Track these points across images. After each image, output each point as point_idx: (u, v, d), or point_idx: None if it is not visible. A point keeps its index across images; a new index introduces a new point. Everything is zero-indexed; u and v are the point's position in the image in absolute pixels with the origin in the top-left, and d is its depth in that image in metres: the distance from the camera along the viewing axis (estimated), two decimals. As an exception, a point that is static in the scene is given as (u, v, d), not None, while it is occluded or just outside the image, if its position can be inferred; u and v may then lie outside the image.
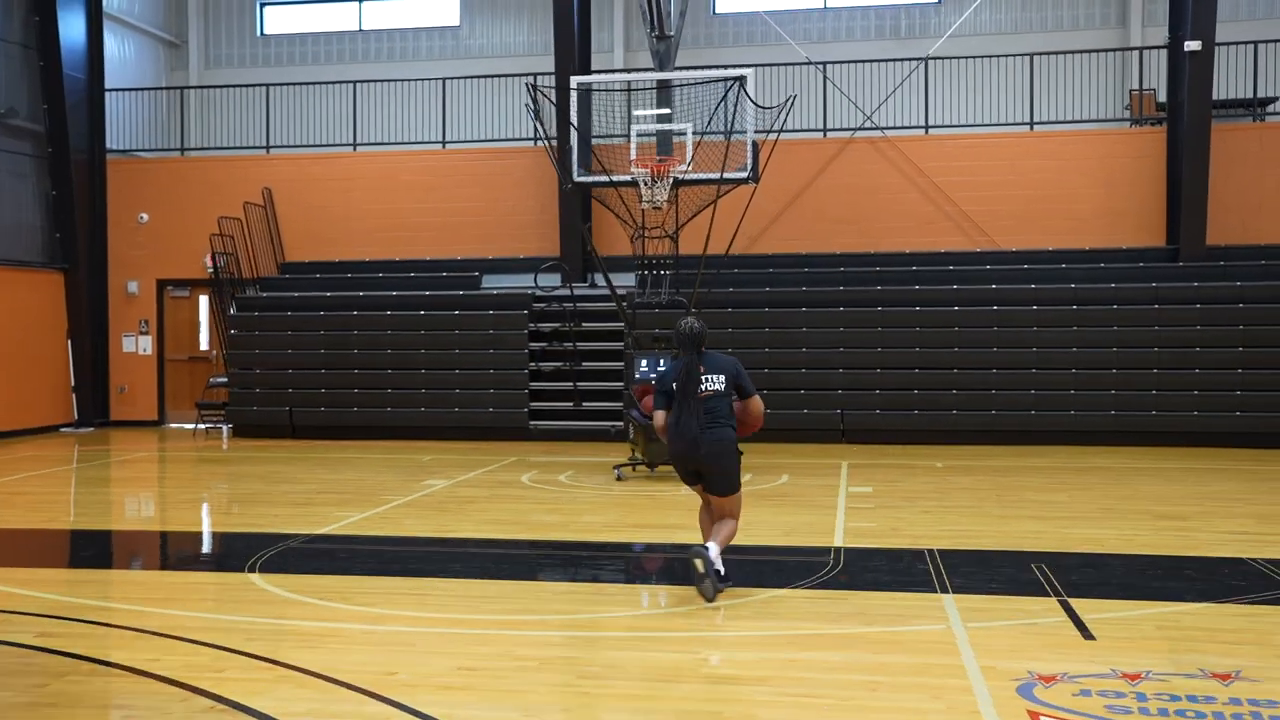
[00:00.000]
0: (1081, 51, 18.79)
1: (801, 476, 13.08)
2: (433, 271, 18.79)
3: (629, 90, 14.59)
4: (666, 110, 13.74)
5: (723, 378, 7.34)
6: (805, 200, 18.40)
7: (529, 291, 17.46)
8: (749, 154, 13.41)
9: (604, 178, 13.86)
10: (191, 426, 18.97)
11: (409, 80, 20.28)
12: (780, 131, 13.19)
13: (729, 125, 12.31)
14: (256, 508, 11.78)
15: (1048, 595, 7.32)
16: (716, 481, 7.34)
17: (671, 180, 12.78)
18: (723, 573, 7.14)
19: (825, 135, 18.76)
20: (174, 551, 9.72)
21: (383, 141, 20.26)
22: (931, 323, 16.60)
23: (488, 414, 17.20)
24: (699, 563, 7.03)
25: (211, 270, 18.69)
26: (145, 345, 20.07)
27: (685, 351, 7.44)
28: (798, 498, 11.62)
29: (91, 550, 9.65)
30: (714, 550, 7.11)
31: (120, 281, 20.05)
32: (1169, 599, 7.27)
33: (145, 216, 19.99)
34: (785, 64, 19.16)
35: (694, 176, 13.22)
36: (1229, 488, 12.20)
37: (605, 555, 9.00)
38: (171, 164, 20.61)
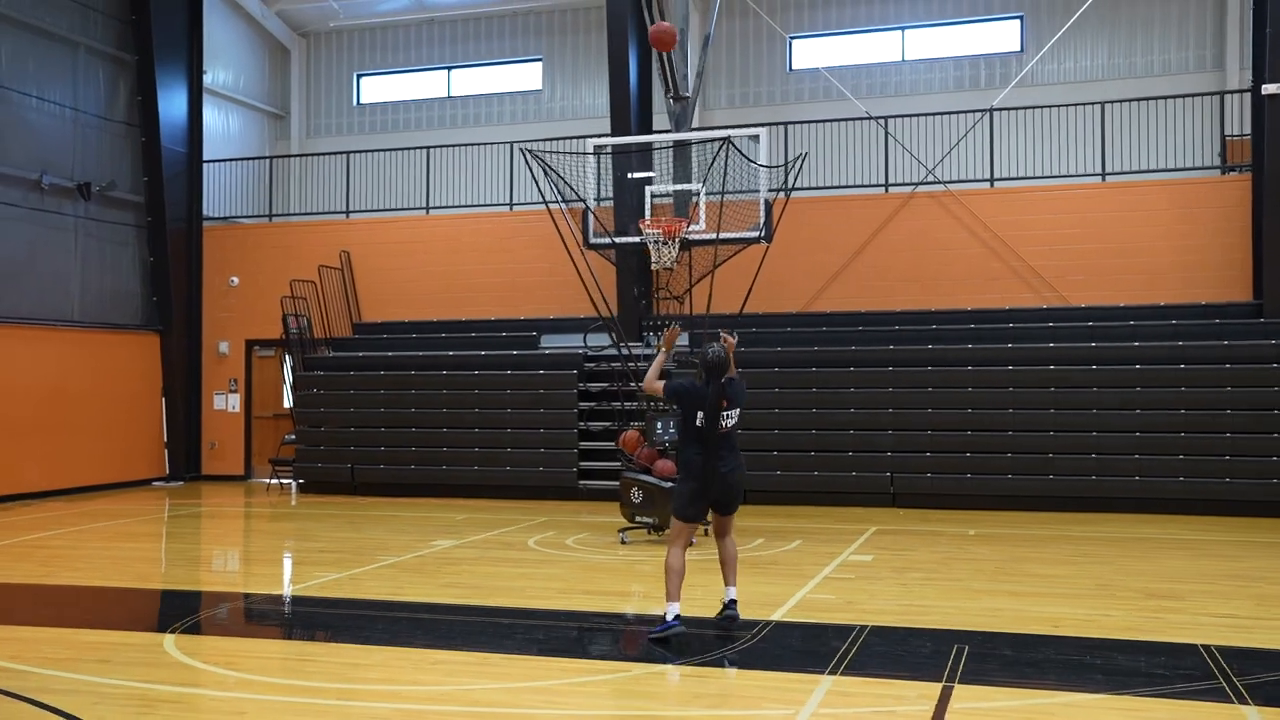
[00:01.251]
0: (1159, 98, 17.88)
1: (814, 543, 12.68)
2: (493, 331, 19.08)
3: (659, 149, 14.56)
4: (683, 171, 13.67)
5: (738, 411, 7.92)
6: (866, 257, 17.98)
7: (579, 351, 17.54)
8: (761, 213, 13.21)
9: (624, 239, 13.86)
10: (267, 481, 19.67)
11: (481, 144, 20.73)
12: (791, 190, 12.97)
13: (722, 184, 12.18)
14: (238, 565, 12.08)
15: (938, 680, 6.90)
16: (731, 505, 8.11)
17: (679, 242, 12.67)
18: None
19: (887, 190, 18.33)
20: (113, 609, 9.68)
21: (453, 205, 20.74)
22: (986, 383, 15.95)
23: (538, 473, 17.27)
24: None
25: (286, 331, 19.41)
26: (234, 403, 20.95)
27: (713, 379, 7.81)
28: (786, 565, 11.26)
29: (48, 608, 9.57)
30: (735, 591, 8.17)
31: (212, 342, 21.03)
32: (1068, 688, 6.75)
33: (236, 280, 20.93)
34: (850, 119, 18.87)
35: (703, 237, 13.08)
36: (1263, 565, 11.28)
37: (525, 623, 8.79)
38: (261, 229, 21.54)
